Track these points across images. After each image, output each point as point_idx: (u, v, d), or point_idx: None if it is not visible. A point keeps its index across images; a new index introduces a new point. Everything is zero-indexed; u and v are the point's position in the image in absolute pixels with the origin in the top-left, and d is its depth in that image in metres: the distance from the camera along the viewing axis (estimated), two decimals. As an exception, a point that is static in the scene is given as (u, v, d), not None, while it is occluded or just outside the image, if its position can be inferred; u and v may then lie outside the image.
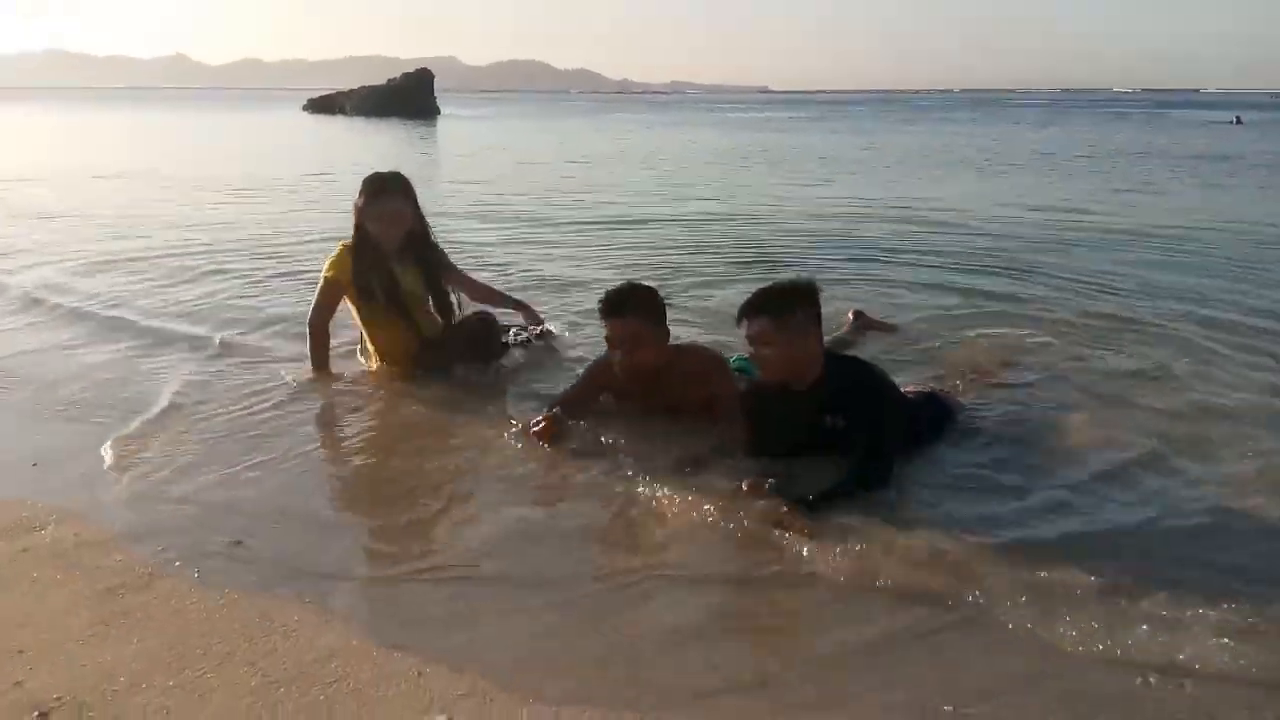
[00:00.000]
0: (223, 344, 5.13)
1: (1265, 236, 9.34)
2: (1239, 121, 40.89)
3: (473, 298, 4.82)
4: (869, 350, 4.87)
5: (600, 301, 3.79)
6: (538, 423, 3.70)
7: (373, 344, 4.57)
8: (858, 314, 5.23)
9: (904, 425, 3.43)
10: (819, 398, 3.39)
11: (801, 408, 3.41)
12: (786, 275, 3.54)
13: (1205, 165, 18.65)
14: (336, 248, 4.49)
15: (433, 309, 4.59)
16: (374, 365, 4.56)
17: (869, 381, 3.42)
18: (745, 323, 3.37)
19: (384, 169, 4.56)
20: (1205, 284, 6.84)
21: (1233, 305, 6.17)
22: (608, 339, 3.80)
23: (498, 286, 5.23)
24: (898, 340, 5.15)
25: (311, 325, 4.48)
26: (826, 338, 4.85)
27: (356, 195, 4.41)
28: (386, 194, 4.38)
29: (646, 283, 4.00)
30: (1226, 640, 2.40)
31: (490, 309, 4.81)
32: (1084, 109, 72.77)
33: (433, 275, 4.56)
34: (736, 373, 4.20)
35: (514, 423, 3.84)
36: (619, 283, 3.91)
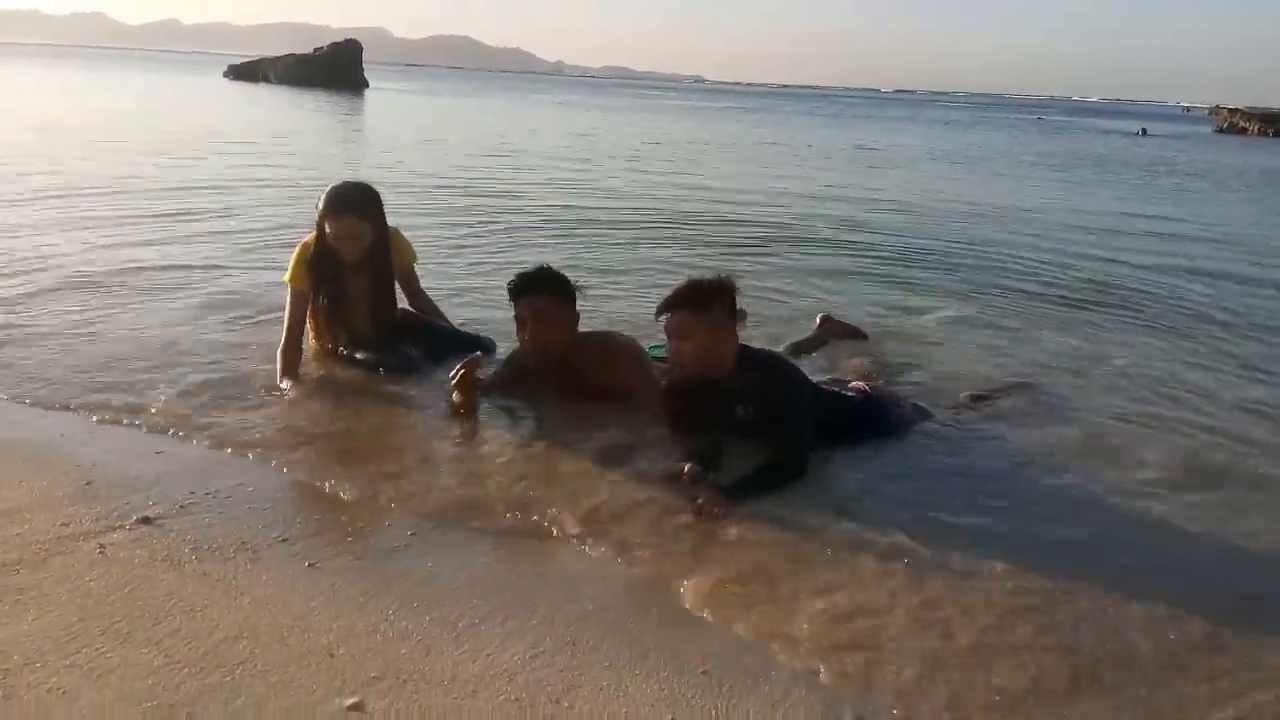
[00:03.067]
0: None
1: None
2: (1144, 133, 42.74)
3: (414, 305, 4.70)
4: (832, 354, 4.84)
5: (509, 282, 3.84)
6: (457, 372, 3.74)
7: (310, 323, 4.43)
8: (825, 318, 5.17)
9: (812, 416, 3.48)
10: (731, 390, 3.47)
11: (715, 399, 3.50)
12: (705, 271, 3.62)
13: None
14: (294, 252, 4.31)
15: (369, 315, 4.42)
16: (311, 343, 4.46)
17: (777, 374, 3.53)
18: (666, 316, 3.43)
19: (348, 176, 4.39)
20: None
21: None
22: (516, 318, 3.84)
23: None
24: (863, 346, 5.05)
25: (288, 340, 4.20)
26: (792, 341, 4.92)
27: (319, 203, 4.24)
28: (346, 214, 4.19)
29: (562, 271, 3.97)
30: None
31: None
32: (1003, 113, 74.77)
33: (379, 287, 4.41)
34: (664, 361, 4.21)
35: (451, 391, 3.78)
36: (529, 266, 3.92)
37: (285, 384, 4.04)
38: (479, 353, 3.95)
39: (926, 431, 3.84)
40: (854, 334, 5.16)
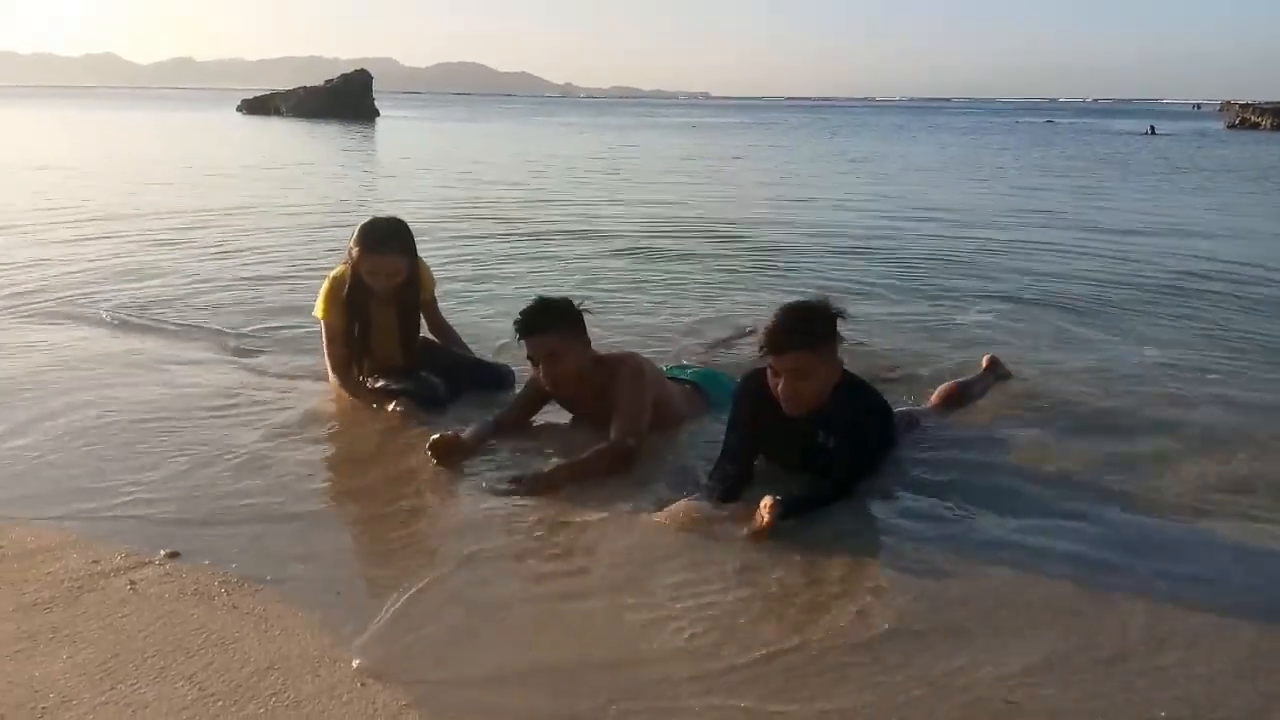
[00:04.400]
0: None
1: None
2: (1153, 131, 42.52)
3: (434, 332, 4.72)
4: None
5: (515, 322, 3.75)
6: (434, 441, 3.60)
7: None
8: None
9: (885, 449, 3.44)
10: (818, 417, 3.24)
11: (798, 427, 3.28)
12: (805, 296, 3.40)
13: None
14: (323, 287, 4.34)
15: (397, 347, 4.44)
16: (330, 376, 4.45)
17: (868, 404, 3.38)
18: (779, 356, 3.15)
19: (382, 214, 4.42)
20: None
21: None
22: (529, 358, 3.79)
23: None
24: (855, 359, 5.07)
25: (336, 374, 4.32)
26: None
27: (352, 241, 4.25)
28: (383, 251, 4.21)
29: (562, 294, 3.91)
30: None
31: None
32: (1010, 118, 74.70)
33: (407, 318, 4.44)
34: (688, 384, 4.18)
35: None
36: (531, 300, 3.80)
37: (391, 406, 4.14)
38: (451, 431, 3.69)
39: (919, 441, 3.80)
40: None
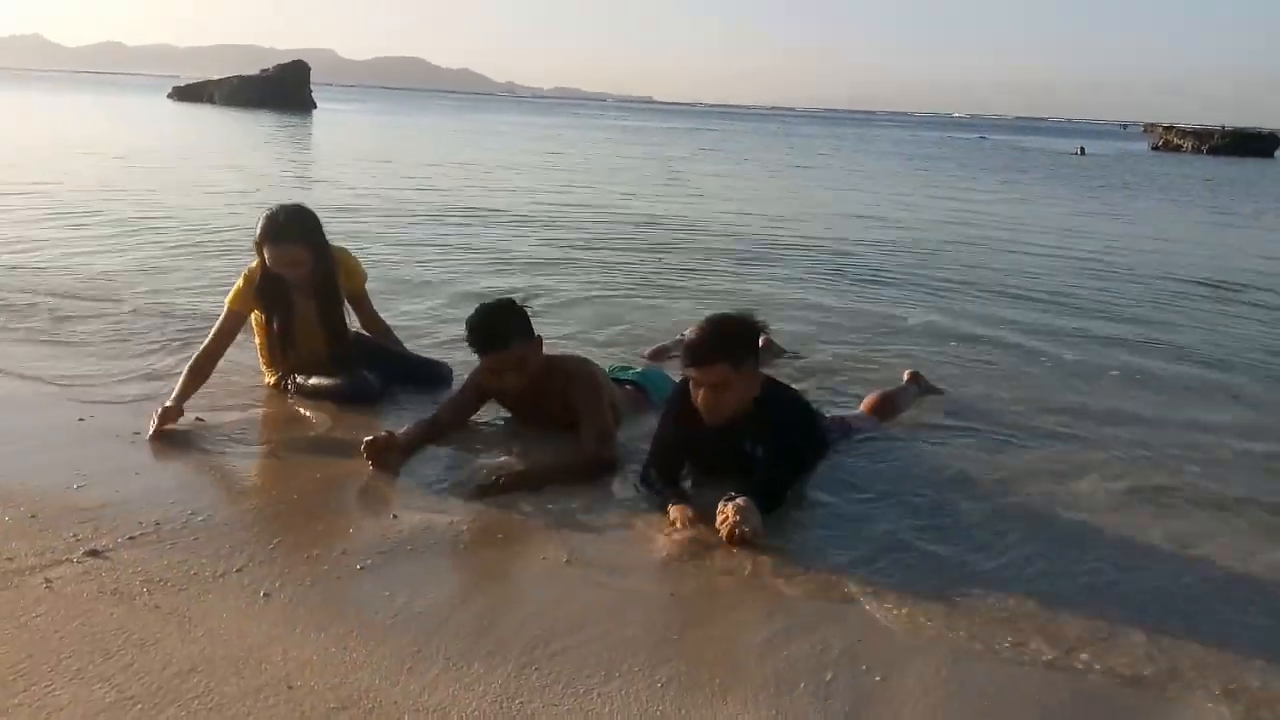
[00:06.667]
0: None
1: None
2: (1083, 152, 43.63)
3: (366, 328, 4.64)
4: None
5: (468, 337, 3.65)
6: (368, 442, 3.48)
7: (261, 355, 4.39)
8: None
9: (818, 454, 3.49)
10: (742, 425, 3.29)
11: (723, 435, 3.30)
12: (729, 309, 3.38)
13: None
14: (238, 280, 4.24)
15: (323, 340, 4.33)
16: (270, 379, 4.38)
17: (791, 411, 3.41)
18: (698, 369, 3.18)
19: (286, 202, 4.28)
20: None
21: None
22: (490, 371, 3.71)
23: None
24: (790, 364, 5.15)
25: (201, 357, 4.08)
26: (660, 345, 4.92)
27: (257, 229, 4.15)
28: (281, 239, 4.10)
29: (505, 297, 3.80)
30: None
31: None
32: (939, 132, 76.29)
33: (328, 309, 4.31)
34: (630, 384, 4.18)
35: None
36: (476, 309, 3.70)
37: (153, 422, 3.73)
38: (385, 431, 3.59)
39: (853, 449, 3.85)
40: (783, 353, 5.29)
